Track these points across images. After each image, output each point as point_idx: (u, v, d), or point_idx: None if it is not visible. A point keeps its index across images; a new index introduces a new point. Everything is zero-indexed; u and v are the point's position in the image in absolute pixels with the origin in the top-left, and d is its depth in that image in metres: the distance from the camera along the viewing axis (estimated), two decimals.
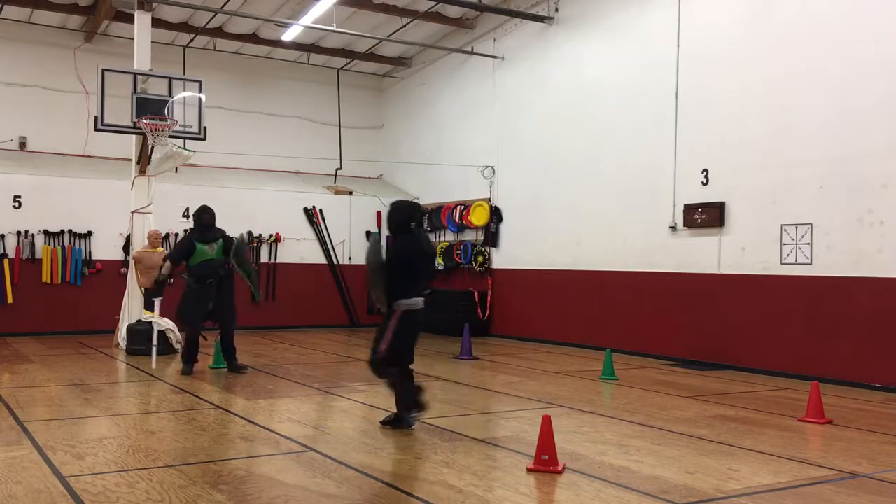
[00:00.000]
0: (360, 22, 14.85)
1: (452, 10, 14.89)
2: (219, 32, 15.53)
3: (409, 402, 6.31)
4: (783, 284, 9.86)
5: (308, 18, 13.75)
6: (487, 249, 14.93)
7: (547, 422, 5.05)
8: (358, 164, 17.83)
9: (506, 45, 14.75)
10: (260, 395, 7.97)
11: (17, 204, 13.55)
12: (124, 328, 11.45)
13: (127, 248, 13.45)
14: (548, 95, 13.74)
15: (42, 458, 5.21)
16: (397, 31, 15.50)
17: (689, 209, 10.99)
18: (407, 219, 6.34)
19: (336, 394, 8.10)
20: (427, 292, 6.40)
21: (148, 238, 11.79)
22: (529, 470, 5.03)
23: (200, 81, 11.93)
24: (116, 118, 11.32)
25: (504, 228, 14.75)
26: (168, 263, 9.71)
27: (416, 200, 5.97)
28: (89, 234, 14.00)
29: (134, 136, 11.81)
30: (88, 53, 15.11)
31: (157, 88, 11.75)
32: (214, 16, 14.59)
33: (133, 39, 12.09)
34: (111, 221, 13.88)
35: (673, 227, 11.30)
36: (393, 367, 6.22)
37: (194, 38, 15.53)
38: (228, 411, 7.06)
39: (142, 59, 11.84)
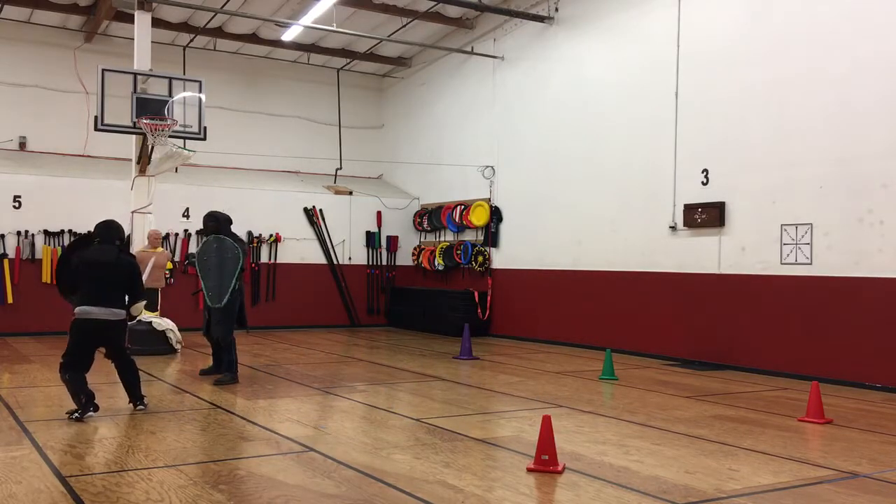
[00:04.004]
0: (360, 22, 14.85)
1: (452, 10, 14.89)
2: (219, 32, 15.53)
3: (75, 401, 6.52)
4: (783, 284, 9.86)
5: (308, 18, 13.75)
6: (487, 249, 14.93)
7: (547, 422, 5.04)
8: (358, 164, 17.84)
9: (506, 45, 14.75)
10: (260, 395, 7.97)
11: (17, 204, 13.55)
12: None
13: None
14: (548, 95, 13.74)
15: (42, 458, 5.21)
16: (397, 31, 15.50)
17: (689, 209, 10.99)
18: (90, 234, 7.05)
19: (336, 394, 8.10)
20: (134, 302, 6.81)
21: (148, 238, 11.79)
22: (529, 470, 5.03)
23: (200, 81, 11.93)
24: (116, 118, 11.31)
25: (504, 228, 14.75)
26: None
27: (115, 221, 7.16)
28: (89, 234, 13.97)
29: (134, 136, 11.81)
30: (88, 53, 15.11)
31: (157, 88, 11.75)
32: (214, 16, 14.59)
33: (133, 39, 12.09)
34: None
35: (673, 227, 11.30)
36: (65, 370, 6.54)
37: (194, 38, 15.54)
38: (228, 411, 7.06)
39: (142, 59, 11.83)
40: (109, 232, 6.97)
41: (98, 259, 6.71)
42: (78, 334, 6.62)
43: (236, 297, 8.84)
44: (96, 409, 6.62)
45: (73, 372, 6.56)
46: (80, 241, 7.10)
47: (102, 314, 6.58)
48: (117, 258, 6.81)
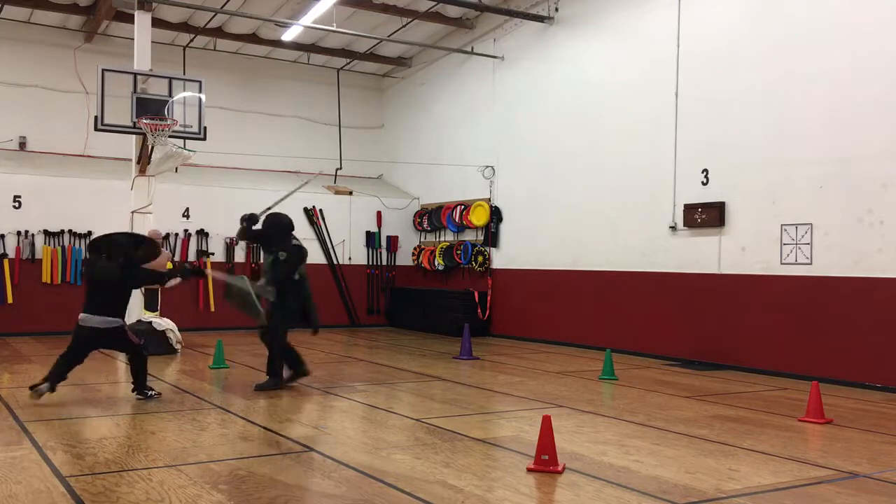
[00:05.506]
0: (360, 22, 14.85)
1: (452, 10, 14.88)
2: (219, 32, 15.53)
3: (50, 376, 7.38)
4: (783, 284, 9.86)
5: (308, 18, 13.74)
6: (487, 249, 14.93)
7: (547, 422, 5.04)
8: (358, 164, 17.83)
9: (506, 45, 14.75)
10: (260, 395, 7.98)
11: (17, 204, 13.55)
12: None
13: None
14: (548, 95, 13.74)
15: (42, 458, 5.21)
16: (397, 31, 15.50)
17: (689, 209, 10.99)
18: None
19: (336, 394, 8.10)
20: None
21: None
22: (529, 470, 5.03)
23: (200, 81, 11.92)
24: (116, 118, 11.30)
25: (504, 228, 14.75)
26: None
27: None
28: (89, 234, 13.98)
29: (134, 136, 11.81)
30: (88, 53, 15.11)
31: (157, 88, 11.74)
32: (214, 16, 14.59)
33: (133, 39, 12.08)
34: (111, 221, 13.79)
35: (673, 227, 11.30)
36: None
37: (194, 38, 15.53)
38: (228, 411, 7.07)
39: (142, 59, 11.83)
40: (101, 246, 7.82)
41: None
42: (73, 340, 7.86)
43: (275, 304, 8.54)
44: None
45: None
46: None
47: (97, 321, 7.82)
48: None
